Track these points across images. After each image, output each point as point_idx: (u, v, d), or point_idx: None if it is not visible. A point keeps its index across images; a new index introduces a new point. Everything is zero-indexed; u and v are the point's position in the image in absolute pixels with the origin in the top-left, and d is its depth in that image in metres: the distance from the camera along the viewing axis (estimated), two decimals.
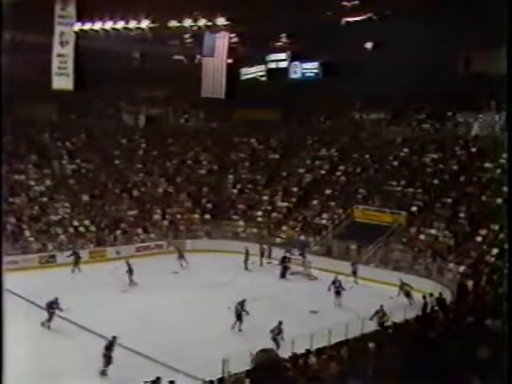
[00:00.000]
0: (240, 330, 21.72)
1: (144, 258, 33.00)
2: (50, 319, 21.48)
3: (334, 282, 25.61)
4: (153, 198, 38.76)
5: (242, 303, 22.04)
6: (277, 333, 19.41)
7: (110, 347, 17.88)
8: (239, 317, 21.81)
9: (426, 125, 38.34)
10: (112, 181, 39.39)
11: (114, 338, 18.11)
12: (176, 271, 30.21)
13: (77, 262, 29.61)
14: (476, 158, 34.15)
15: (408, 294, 25.32)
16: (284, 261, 30.37)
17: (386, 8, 31.22)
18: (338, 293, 25.24)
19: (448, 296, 23.69)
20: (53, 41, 37.39)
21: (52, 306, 21.63)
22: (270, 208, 37.70)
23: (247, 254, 31.48)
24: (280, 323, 19.60)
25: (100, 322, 21.63)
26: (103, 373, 17.55)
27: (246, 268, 31.17)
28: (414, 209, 32.94)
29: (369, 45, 35.37)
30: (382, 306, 21.28)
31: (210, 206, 38.60)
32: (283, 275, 29.99)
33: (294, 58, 40.38)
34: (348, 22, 33.07)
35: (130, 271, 27.69)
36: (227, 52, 39.56)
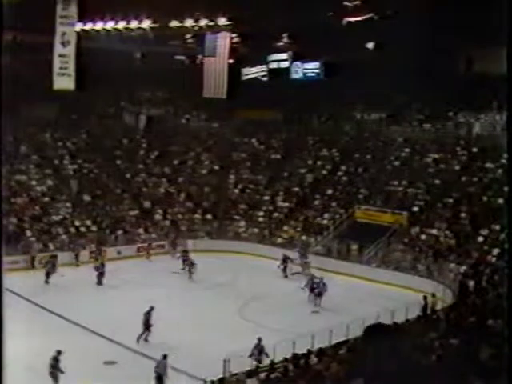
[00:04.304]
0: (146, 340, 20.45)
1: (145, 258, 33.18)
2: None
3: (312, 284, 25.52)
4: (154, 198, 38.77)
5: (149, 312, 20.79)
6: None
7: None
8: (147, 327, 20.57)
9: (427, 125, 38.30)
10: (113, 181, 39.42)
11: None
12: (176, 271, 30.18)
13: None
14: (477, 158, 34.12)
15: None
16: (285, 261, 30.34)
17: (387, 8, 31.16)
18: (319, 294, 25.05)
19: (449, 296, 23.71)
20: (54, 41, 37.33)
21: None
22: (271, 208, 37.67)
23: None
24: None
25: (100, 321, 21.67)
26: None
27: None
28: (416, 209, 32.91)
29: (370, 45, 35.28)
30: (260, 339, 17.88)
31: (210, 206, 38.61)
32: (286, 275, 29.98)
33: (295, 58, 40.25)
34: (349, 22, 32.95)
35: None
36: (228, 52, 39.45)
